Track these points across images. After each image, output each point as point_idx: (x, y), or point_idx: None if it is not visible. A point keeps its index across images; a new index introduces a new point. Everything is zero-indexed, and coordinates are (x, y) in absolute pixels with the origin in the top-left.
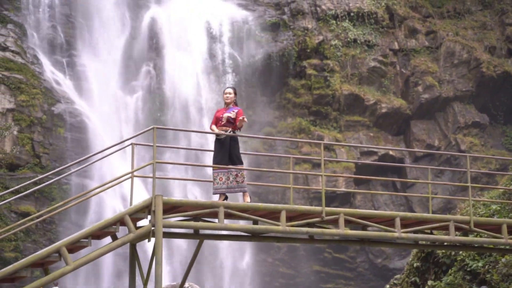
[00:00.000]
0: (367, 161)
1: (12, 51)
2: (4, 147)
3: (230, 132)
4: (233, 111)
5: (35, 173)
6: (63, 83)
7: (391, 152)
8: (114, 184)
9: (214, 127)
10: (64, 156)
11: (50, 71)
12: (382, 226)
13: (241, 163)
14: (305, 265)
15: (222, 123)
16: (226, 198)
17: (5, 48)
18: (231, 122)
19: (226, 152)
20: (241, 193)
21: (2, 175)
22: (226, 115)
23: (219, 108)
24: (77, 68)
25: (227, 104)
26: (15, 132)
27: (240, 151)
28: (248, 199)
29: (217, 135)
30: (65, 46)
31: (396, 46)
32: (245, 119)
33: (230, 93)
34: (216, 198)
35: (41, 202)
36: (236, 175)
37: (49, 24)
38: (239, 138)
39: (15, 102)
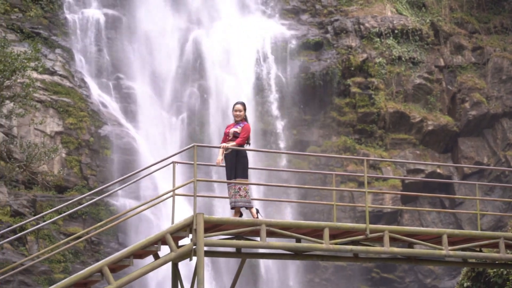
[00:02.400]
0: (413, 178)
1: (60, 75)
2: (53, 170)
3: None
4: (239, 126)
5: (83, 194)
6: (110, 106)
7: (438, 170)
8: (155, 203)
9: (224, 144)
10: (111, 178)
11: (97, 94)
12: (429, 244)
13: (245, 177)
14: (353, 285)
15: (229, 138)
16: (241, 214)
17: (53, 73)
18: (238, 137)
19: (232, 167)
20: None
21: (51, 197)
22: (232, 130)
23: (228, 124)
24: (123, 91)
25: (236, 121)
26: (63, 155)
27: (282, 168)
28: (254, 215)
29: (225, 150)
30: (111, 69)
31: (441, 62)
32: (228, 146)
33: (240, 110)
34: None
35: (89, 223)
36: (239, 189)
37: (95, 48)
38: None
39: (63, 125)
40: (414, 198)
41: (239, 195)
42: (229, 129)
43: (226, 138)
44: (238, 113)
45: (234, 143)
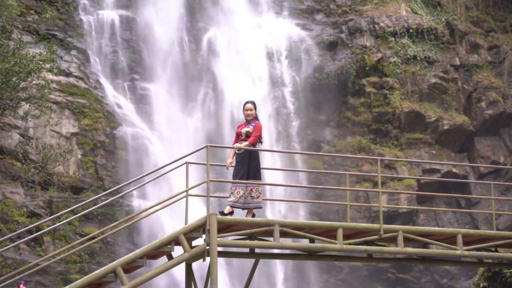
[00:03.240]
0: (429, 178)
1: (76, 77)
2: (69, 171)
3: (245, 150)
4: (251, 126)
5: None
6: (125, 107)
7: (454, 170)
8: (168, 204)
9: (237, 144)
10: (126, 179)
11: (112, 95)
12: (443, 244)
13: (258, 178)
14: (368, 285)
15: (242, 138)
16: (232, 212)
17: (69, 74)
18: (250, 136)
19: (245, 167)
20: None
21: (67, 198)
22: (244, 130)
23: (240, 124)
24: (138, 92)
25: (247, 120)
26: (79, 156)
27: (297, 168)
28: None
29: (237, 150)
30: (126, 70)
31: (457, 62)
32: (241, 147)
33: (251, 109)
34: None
35: (105, 224)
36: (251, 190)
37: (110, 49)
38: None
39: (79, 126)
40: (430, 198)
41: (251, 196)
42: (240, 129)
43: (238, 138)
44: (249, 112)
45: (246, 142)
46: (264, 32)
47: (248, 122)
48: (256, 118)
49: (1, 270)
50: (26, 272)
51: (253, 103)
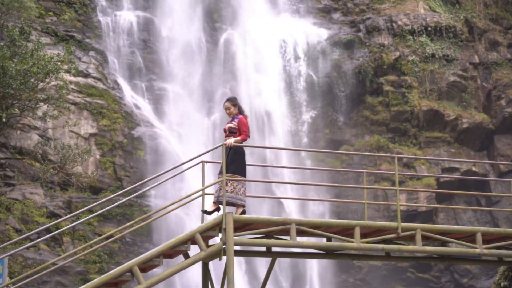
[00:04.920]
0: (446, 175)
1: (94, 77)
2: (88, 171)
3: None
4: (235, 121)
5: (123, 196)
6: (143, 107)
7: (474, 168)
8: (185, 203)
9: (228, 141)
10: (144, 179)
11: (130, 95)
12: (462, 242)
13: (242, 175)
14: (388, 285)
15: (226, 134)
16: (218, 209)
17: (87, 75)
18: (234, 132)
19: (229, 163)
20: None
21: (86, 199)
22: (227, 126)
23: (228, 121)
24: (155, 92)
25: (231, 117)
26: (97, 156)
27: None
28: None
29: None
30: (144, 70)
31: (476, 59)
32: (231, 143)
33: (228, 108)
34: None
35: (124, 224)
36: (226, 184)
37: (128, 50)
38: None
39: (97, 127)
40: (449, 198)
41: (225, 190)
42: (226, 126)
43: (225, 135)
44: (227, 111)
45: (237, 138)
46: (281, 32)
47: (232, 118)
48: (240, 112)
49: (21, 270)
50: (44, 271)
51: (230, 100)
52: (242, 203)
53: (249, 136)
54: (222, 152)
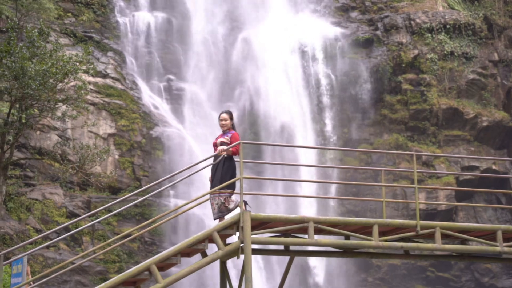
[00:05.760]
0: (466, 173)
1: (112, 78)
2: (107, 171)
3: (223, 156)
4: (227, 136)
5: (136, 195)
6: (161, 107)
7: (494, 166)
8: (202, 201)
9: (220, 147)
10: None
11: (148, 95)
12: (482, 240)
13: (230, 188)
14: (407, 284)
15: (216, 149)
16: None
17: (105, 75)
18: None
19: (218, 174)
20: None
21: (105, 198)
22: (219, 140)
23: (218, 135)
24: (173, 92)
25: (223, 131)
26: (116, 156)
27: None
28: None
29: (214, 159)
30: (162, 71)
31: (496, 57)
32: (223, 151)
33: (225, 119)
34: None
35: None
36: (225, 199)
37: (146, 50)
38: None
39: (116, 127)
40: (469, 196)
41: (225, 206)
42: (217, 139)
43: (215, 149)
44: (223, 122)
45: (226, 147)
46: (300, 31)
47: (224, 132)
48: (232, 127)
49: (42, 270)
50: (63, 270)
51: (228, 113)
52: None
53: (237, 154)
54: (213, 165)
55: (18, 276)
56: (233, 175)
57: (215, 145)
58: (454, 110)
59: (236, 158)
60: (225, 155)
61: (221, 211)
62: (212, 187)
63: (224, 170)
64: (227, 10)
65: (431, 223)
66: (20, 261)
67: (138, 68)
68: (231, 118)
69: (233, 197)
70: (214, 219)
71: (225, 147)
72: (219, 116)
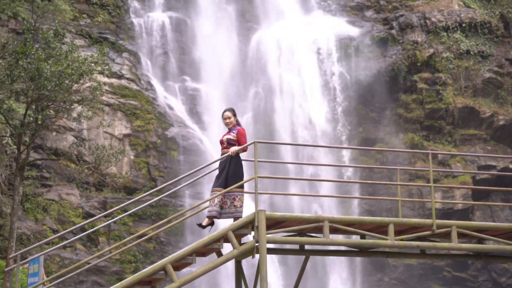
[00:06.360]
0: (482, 172)
1: (127, 79)
2: (122, 172)
3: (229, 155)
4: (233, 133)
5: (151, 195)
6: (176, 108)
7: (511, 165)
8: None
9: (233, 148)
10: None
11: (163, 96)
12: (500, 239)
13: (239, 186)
14: (424, 284)
15: (224, 146)
16: (212, 223)
17: (121, 76)
18: (233, 144)
19: (224, 173)
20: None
21: (121, 199)
22: (225, 137)
23: (225, 132)
24: (188, 92)
25: (229, 128)
26: (131, 157)
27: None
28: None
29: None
30: (177, 71)
31: None
32: (234, 152)
33: (229, 117)
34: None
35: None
36: (234, 198)
37: (161, 51)
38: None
39: (131, 128)
40: (486, 196)
41: (234, 205)
42: (223, 137)
43: (222, 146)
44: (227, 120)
45: (239, 148)
46: (314, 30)
47: (230, 129)
48: (237, 124)
49: (58, 270)
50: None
51: (231, 110)
52: (241, 215)
53: (244, 150)
54: (220, 163)
55: (35, 275)
56: (241, 174)
57: (222, 142)
58: (470, 109)
59: (243, 156)
60: (231, 154)
61: (227, 212)
62: (215, 183)
63: (231, 170)
64: (241, 10)
65: (448, 222)
66: (37, 260)
67: (153, 69)
68: (235, 115)
69: (243, 197)
70: (218, 218)
71: (236, 148)
72: (222, 115)
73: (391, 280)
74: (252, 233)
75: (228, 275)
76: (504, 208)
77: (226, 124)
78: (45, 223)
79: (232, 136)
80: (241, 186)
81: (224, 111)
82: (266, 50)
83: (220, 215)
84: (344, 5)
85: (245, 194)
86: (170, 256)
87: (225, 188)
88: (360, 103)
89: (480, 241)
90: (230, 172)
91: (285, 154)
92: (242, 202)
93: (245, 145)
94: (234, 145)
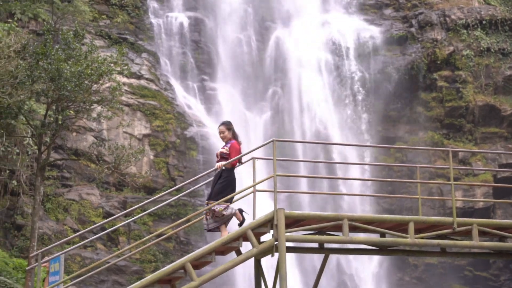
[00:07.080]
0: (503, 169)
1: (147, 79)
2: (142, 171)
3: (222, 167)
4: (227, 147)
5: (171, 196)
6: (195, 107)
7: None
8: (236, 200)
9: (218, 163)
10: (197, 179)
11: (182, 96)
12: None
13: (227, 201)
14: (445, 284)
15: (218, 159)
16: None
17: (140, 76)
18: (225, 158)
19: (212, 189)
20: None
21: (140, 198)
22: (219, 151)
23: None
24: (207, 92)
25: (224, 142)
26: (151, 157)
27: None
28: (225, 233)
29: (215, 170)
30: (196, 71)
31: None
32: (220, 166)
33: (222, 132)
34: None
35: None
36: (213, 211)
37: (180, 51)
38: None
39: (151, 128)
40: (508, 194)
41: (215, 217)
42: (219, 151)
43: (217, 160)
44: (221, 135)
45: (224, 163)
46: (332, 29)
47: (226, 143)
48: (234, 137)
49: (79, 270)
50: (98, 269)
51: (226, 124)
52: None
53: (240, 163)
54: (216, 175)
55: (56, 274)
56: (231, 188)
57: (217, 156)
58: (490, 107)
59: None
60: (223, 168)
61: (216, 221)
62: (208, 196)
63: (220, 183)
64: (260, 10)
65: (469, 220)
66: (58, 259)
67: (172, 69)
68: (229, 128)
69: (222, 208)
70: (208, 230)
71: (223, 163)
72: (218, 129)
73: (412, 279)
74: (271, 231)
75: (245, 274)
76: None
77: (221, 138)
78: (66, 223)
79: (225, 150)
80: (229, 200)
81: (220, 125)
82: (285, 49)
83: (208, 227)
84: (363, 3)
85: (265, 193)
86: (189, 255)
87: (214, 201)
88: (379, 102)
89: (502, 239)
90: (216, 188)
91: (303, 154)
92: (229, 209)
93: (231, 160)
94: (227, 159)
